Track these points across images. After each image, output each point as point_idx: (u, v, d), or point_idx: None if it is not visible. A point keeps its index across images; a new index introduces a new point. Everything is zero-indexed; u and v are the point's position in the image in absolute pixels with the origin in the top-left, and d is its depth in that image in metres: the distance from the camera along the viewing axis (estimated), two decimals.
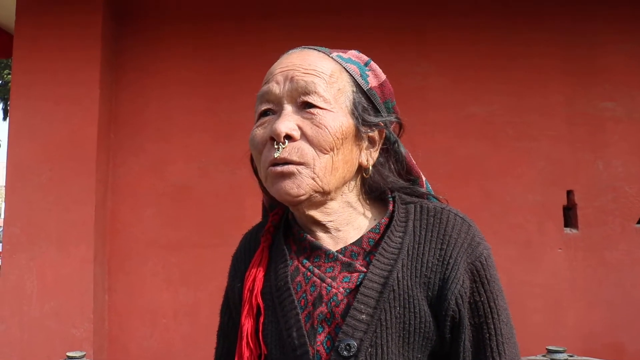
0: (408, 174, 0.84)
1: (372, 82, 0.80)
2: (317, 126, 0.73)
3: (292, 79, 0.74)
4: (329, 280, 0.75)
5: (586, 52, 2.96)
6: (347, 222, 0.79)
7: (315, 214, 0.77)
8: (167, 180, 2.88)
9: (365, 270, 0.74)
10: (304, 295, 0.75)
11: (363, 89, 0.78)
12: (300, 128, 0.73)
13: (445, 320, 0.71)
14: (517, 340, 0.76)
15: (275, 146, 0.72)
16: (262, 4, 3.03)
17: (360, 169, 0.80)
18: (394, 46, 2.92)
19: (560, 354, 1.93)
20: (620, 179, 2.86)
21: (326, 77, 0.75)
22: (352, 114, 0.76)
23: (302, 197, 0.73)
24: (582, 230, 2.84)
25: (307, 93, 0.73)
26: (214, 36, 2.98)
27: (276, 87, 0.75)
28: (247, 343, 0.77)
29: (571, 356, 1.98)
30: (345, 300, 0.72)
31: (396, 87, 0.85)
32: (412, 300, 0.71)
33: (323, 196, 0.75)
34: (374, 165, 0.80)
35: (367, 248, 0.76)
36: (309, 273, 0.76)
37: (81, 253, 2.62)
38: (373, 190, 0.81)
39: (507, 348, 0.72)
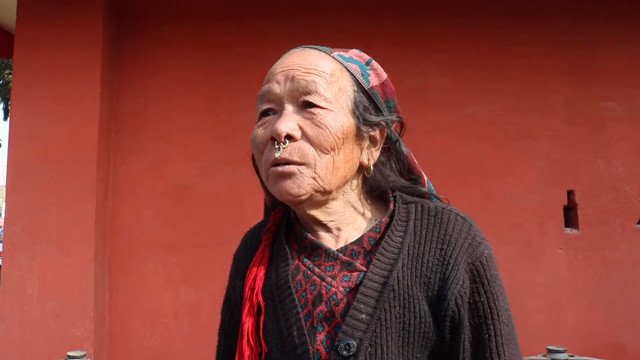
0: (409, 173, 0.84)
1: (374, 81, 0.80)
2: (318, 126, 0.73)
3: (292, 79, 0.74)
4: (328, 279, 0.75)
5: (586, 52, 2.96)
6: (348, 221, 0.79)
7: (317, 213, 0.77)
8: (168, 180, 2.88)
9: (365, 269, 0.74)
10: (304, 294, 0.75)
11: (364, 88, 0.78)
12: (301, 128, 0.73)
13: (445, 321, 0.71)
14: (518, 340, 0.76)
15: (276, 146, 0.72)
16: (262, 4, 3.03)
17: (362, 168, 0.80)
18: (394, 46, 2.92)
19: (560, 353, 1.93)
20: (620, 179, 2.86)
21: (327, 77, 0.74)
22: (353, 113, 0.76)
23: (303, 197, 0.73)
24: (582, 230, 2.83)
25: (307, 92, 0.73)
26: (214, 36, 2.98)
27: (277, 87, 0.75)
28: (248, 341, 0.77)
29: (571, 356, 1.98)
30: (345, 300, 0.72)
31: (396, 86, 0.85)
32: (412, 300, 0.71)
33: (324, 196, 0.75)
34: (375, 165, 0.80)
35: (368, 247, 0.76)
36: (309, 272, 0.76)
37: (82, 253, 2.62)
38: (374, 190, 0.81)
39: (507, 349, 0.72)
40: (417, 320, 0.71)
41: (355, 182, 0.80)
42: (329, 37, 2.81)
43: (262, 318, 0.77)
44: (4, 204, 2.79)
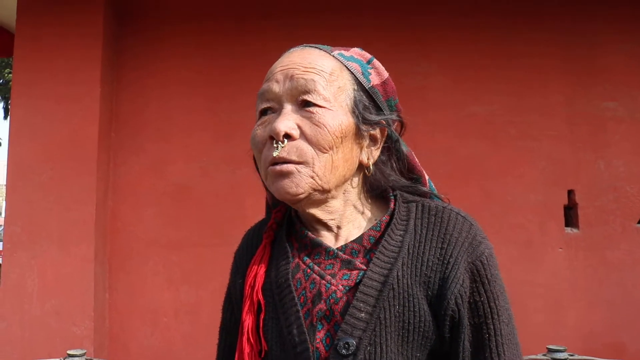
0: (410, 172, 0.84)
1: (375, 80, 0.80)
2: (316, 125, 0.73)
3: (292, 78, 0.74)
4: (328, 277, 0.75)
5: (586, 52, 2.96)
6: (348, 220, 0.79)
7: (316, 212, 0.78)
8: (168, 179, 2.89)
9: (365, 268, 0.74)
10: (304, 292, 0.75)
11: (365, 87, 0.78)
12: (299, 127, 0.73)
13: (445, 320, 0.71)
14: (518, 339, 0.75)
15: (275, 145, 0.72)
16: (262, 4, 3.03)
17: (362, 167, 0.80)
18: (394, 46, 2.92)
19: (560, 353, 1.93)
20: (621, 178, 2.86)
21: (326, 75, 0.74)
22: (353, 112, 0.76)
23: (301, 196, 0.73)
24: (583, 230, 2.83)
25: (306, 91, 0.73)
26: (214, 36, 2.98)
27: (276, 86, 0.75)
28: (248, 339, 0.77)
29: (571, 355, 1.97)
30: (344, 298, 0.72)
31: (396, 86, 0.85)
32: (411, 299, 0.71)
33: (323, 194, 0.75)
34: (375, 164, 0.80)
35: (368, 246, 0.76)
36: (308, 270, 0.76)
37: (82, 252, 2.62)
38: (375, 189, 0.81)
39: (507, 349, 0.72)
40: (416, 319, 0.70)
41: (355, 180, 0.80)
42: (329, 36, 2.81)
43: (262, 316, 0.77)
44: (4, 203, 2.79)
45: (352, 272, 0.74)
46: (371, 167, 0.79)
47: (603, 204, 2.85)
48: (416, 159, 0.85)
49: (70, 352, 1.95)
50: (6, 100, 16.13)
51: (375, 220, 0.80)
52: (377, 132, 0.79)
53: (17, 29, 2.81)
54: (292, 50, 0.80)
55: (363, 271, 0.74)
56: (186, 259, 2.82)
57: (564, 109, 2.93)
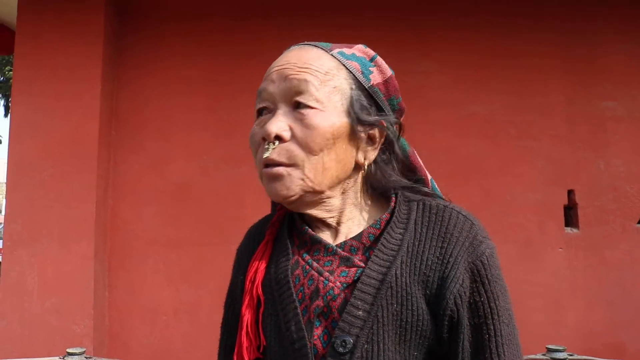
0: (412, 172, 0.84)
1: (376, 78, 0.79)
2: (307, 127, 0.73)
3: (286, 78, 0.74)
4: (326, 274, 0.75)
5: (586, 52, 2.96)
6: (348, 217, 0.79)
7: (313, 211, 0.78)
8: (168, 178, 2.89)
9: (363, 265, 0.74)
10: (302, 288, 0.75)
11: (364, 87, 0.77)
12: (291, 128, 0.73)
13: (444, 320, 0.70)
14: (519, 340, 0.75)
15: (266, 146, 0.73)
16: (263, 3, 3.03)
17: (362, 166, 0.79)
18: (395, 45, 2.92)
19: (560, 353, 1.93)
20: (621, 178, 2.86)
21: (321, 75, 0.74)
22: (348, 112, 0.75)
23: (293, 198, 0.74)
24: (582, 230, 2.84)
25: (299, 92, 0.73)
26: (215, 35, 2.98)
27: (272, 86, 0.76)
28: (247, 333, 0.77)
29: (571, 355, 1.97)
30: (342, 295, 0.72)
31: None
32: (409, 297, 0.71)
33: (316, 195, 0.76)
34: (376, 163, 0.79)
35: (367, 243, 0.76)
36: (307, 266, 0.76)
37: (82, 250, 2.63)
38: (376, 188, 0.81)
39: (508, 349, 0.71)
40: (414, 318, 0.70)
41: (355, 179, 0.80)
42: (330, 35, 2.79)
43: (261, 311, 0.77)
44: (4, 201, 2.79)
45: (351, 269, 0.74)
46: (366, 167, 0.79)
47: (603, 204, 2.85)
48: (419, 160, 0.84)
49: (69, 350, 1.95)
50: (7, 97, 16.14)
51: (376, 218, 0.79)
52: (375, 132, 0.78)
53: (18, 26, 2.81)
54: (291, 48, 0.80)
55: (361, 269, 0.73)
56: (186, 257, 2.83)
57: (563, 108, 2.93)
